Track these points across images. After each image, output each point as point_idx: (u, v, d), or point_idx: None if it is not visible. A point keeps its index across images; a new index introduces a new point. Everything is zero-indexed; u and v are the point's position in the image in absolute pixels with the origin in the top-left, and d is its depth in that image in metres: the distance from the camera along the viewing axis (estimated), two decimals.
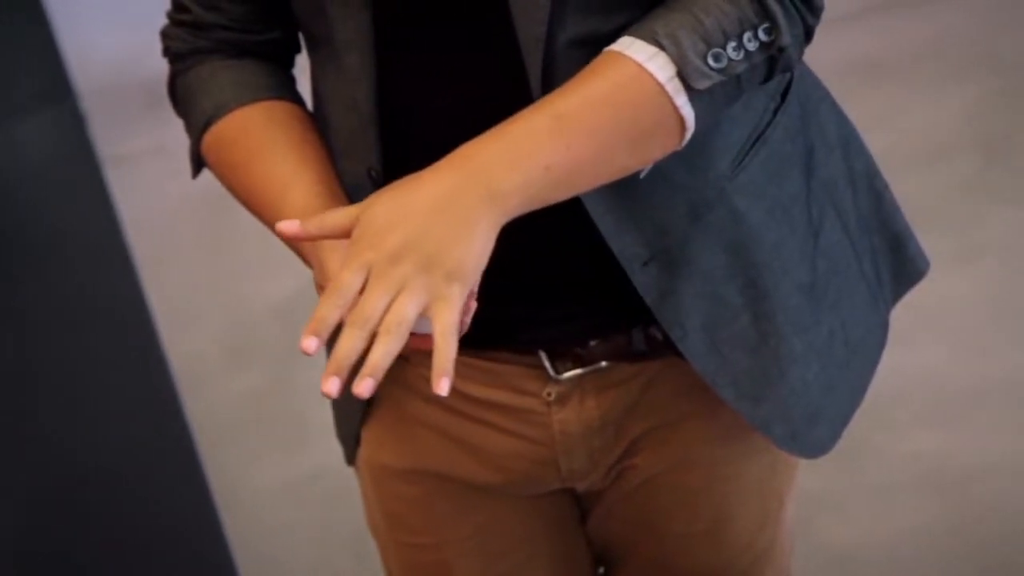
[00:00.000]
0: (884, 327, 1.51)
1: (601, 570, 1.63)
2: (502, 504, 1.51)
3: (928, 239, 1.64)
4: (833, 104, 1.47)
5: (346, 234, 1.17)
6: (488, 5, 1.24)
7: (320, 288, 1.27)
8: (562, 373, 1.40)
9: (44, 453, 2.38)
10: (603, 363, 1.40)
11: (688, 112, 1.21)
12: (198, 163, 1.41)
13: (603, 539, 1.58)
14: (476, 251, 1.14)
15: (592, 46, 1.23)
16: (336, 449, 1.57)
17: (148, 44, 1.62)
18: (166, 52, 1.42)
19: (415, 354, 1.36)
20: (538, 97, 1.22)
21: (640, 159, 1.24)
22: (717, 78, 1.20)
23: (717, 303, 1.35)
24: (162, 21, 1.42)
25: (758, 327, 1.36)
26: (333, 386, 1.11)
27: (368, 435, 1.51)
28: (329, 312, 1.13)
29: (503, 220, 1.17)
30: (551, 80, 1.23)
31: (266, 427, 3.04)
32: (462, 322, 1.20)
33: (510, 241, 1.19)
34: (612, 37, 1.23)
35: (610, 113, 1.19)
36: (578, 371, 1.40)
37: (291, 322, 3.24)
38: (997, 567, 2.47)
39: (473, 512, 1.51)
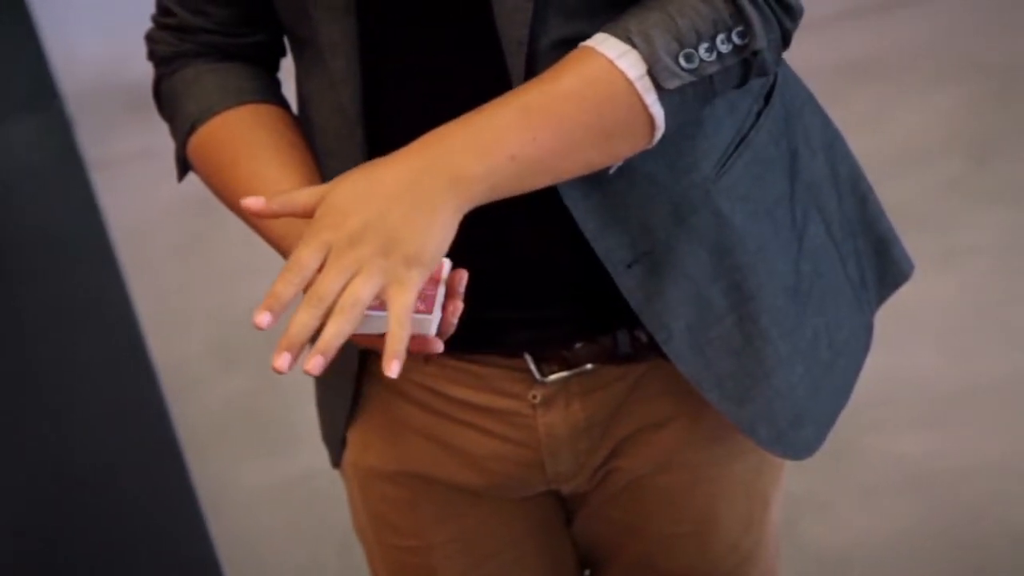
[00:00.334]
0: (868, 329, 1.51)
1: (587, 572, 1.63)
2: (488, 507, 1.51)
3: (913, 240, 1.64)
4: (817, 107, 1.47)
5: (310, 214, 1.17)
6: (472, 8, 1.24)
7: None
8: (548, 375, 1.40)
9: (30, 456, 2.37)
10: (588, 365, 1.40)
11: (658, 111, 1.21)
12: (184, 166, 1.42)
13: (588, 541, 1.58)
14: (437, 236, 1.15)
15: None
16: (323, 452, 1.57)
17: (133, 48, 1.62)
18: (151, 56, 1.42)
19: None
20: None
21: (609, 155, 1.24)
22: (688, 78, 1.21)
23: (702, 305, 1.35)
24: (147, 25, 1.42)
25: (743, 329, 1.37)
26: (284, 361, 1.12)
27: (354, 437, 1.51)
28: (284, 288, 1.13)
29: (467, 207, 1.17)
30: None
31: (253, 430, 3.03)
32: (448, 324, 1.20)
33: (495, 244, 1.19)
34: None
35: (578, 107, 1.19)
36: (564, 374, 1.40)
37: (277, 325, 3.23)
38: (984, 569, 2.48)
39: (459, 515, 1.51)
